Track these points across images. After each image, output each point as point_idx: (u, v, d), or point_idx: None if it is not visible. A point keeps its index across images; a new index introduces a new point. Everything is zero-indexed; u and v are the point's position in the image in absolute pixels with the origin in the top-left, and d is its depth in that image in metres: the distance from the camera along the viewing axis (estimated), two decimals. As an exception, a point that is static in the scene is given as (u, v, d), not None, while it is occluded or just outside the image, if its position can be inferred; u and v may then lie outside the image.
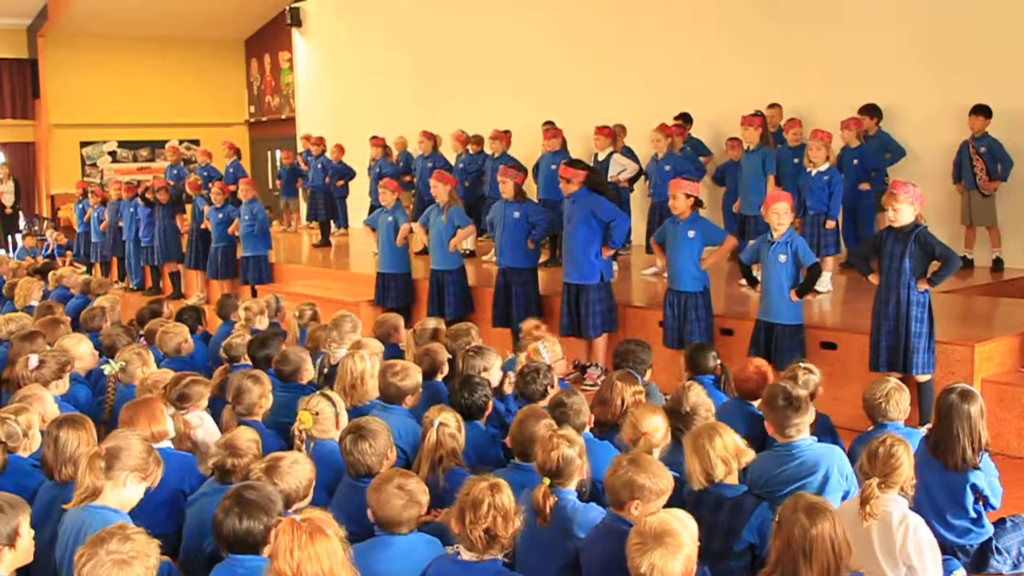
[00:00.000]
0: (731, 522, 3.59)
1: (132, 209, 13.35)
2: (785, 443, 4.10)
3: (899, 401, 4.44)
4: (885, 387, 4.46)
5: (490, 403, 4.89)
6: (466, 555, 3.18)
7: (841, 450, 4.23)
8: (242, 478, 3.90)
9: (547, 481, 3.57)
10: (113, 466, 3.50)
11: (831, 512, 3.04)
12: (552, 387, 4.98)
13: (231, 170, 13.69)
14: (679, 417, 4.37)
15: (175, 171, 14.53)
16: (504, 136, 11.31)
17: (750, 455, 3.76)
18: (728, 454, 3.67)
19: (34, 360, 5.27)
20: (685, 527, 2.89)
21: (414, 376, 4.97)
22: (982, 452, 4.08)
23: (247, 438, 4.03)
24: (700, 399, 4.46)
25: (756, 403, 4.94)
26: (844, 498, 3.92)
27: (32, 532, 3.16)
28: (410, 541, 3.42)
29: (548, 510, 3.51)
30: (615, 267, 8.81)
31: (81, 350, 6.04)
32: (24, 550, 3.11)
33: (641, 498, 3.34)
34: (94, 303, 7.98)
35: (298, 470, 3.67)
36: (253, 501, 3.23)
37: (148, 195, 12.86)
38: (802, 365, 4.93)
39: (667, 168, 9.10)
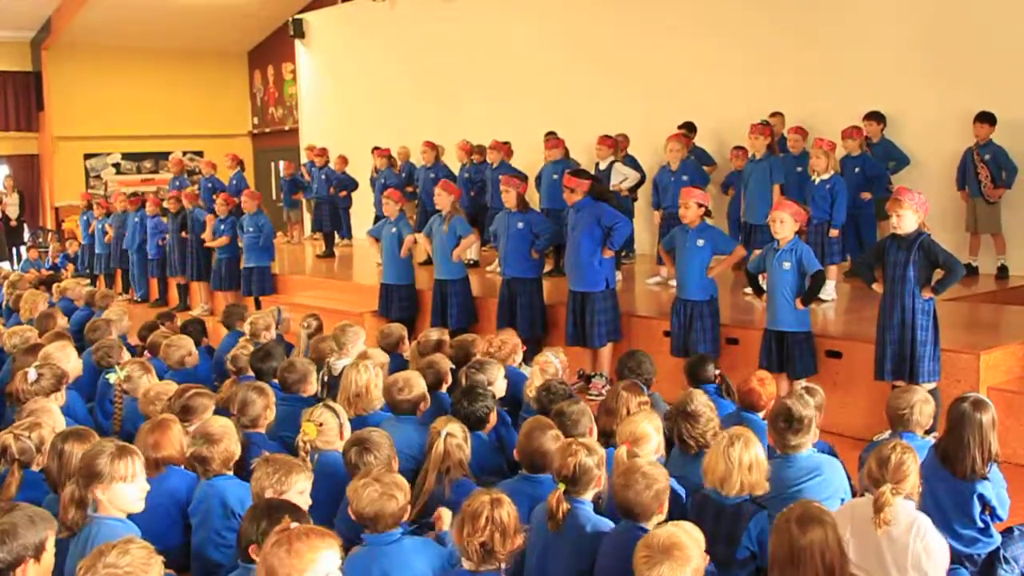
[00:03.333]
0: (731, 529, 3.59)
1: (137, 220, 13.38)
2: (784, 455, 4.13)
3: (925, 412, 4.43)
4: (914, 398, 4.45)
5: (492, 414, 4.88)
6: (466, 564, 3.20)
7: (841, 464, 4.23)
8: (221, 463, 3.99)
9: (562, 487, 3.57)
10: (92, 485, 3.52)
11: (826, 522, 3.04)
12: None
13: (234, 181, 13.72)
14: (685, 416, 4.37)
15: (178, 183, 14.55)
16: (503, 146, 11.33)
17: (765, 487, 3.74)
18: (751, 468, 3.66)
19: (32, 374, 5.26)
20: (693, 539, 2.91)
21: (418, 386, 4.99)
22: (991, 463, 4.06)
23: (220, 424, 4.12)
24: (703, 401, 4.48)
25: (760, 414, 4.94)
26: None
27: (54, 548, 3.17)
28: (404, 547, 3.40)
29: (561, 516, 3.51)
30: (619, 276, 8.79)
31: (62, 356, 5.98)
32: (47, 565, 3.11)
33: (646, 513, 3.37)
34: (101, 315, 7.96)
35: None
36: (280, 507, 3.24)
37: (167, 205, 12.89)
38: (804, 385, 4.91)
39: (685, 178, 9.01)
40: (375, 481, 3.40)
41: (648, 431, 4.05)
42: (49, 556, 3.09)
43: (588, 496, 3.65)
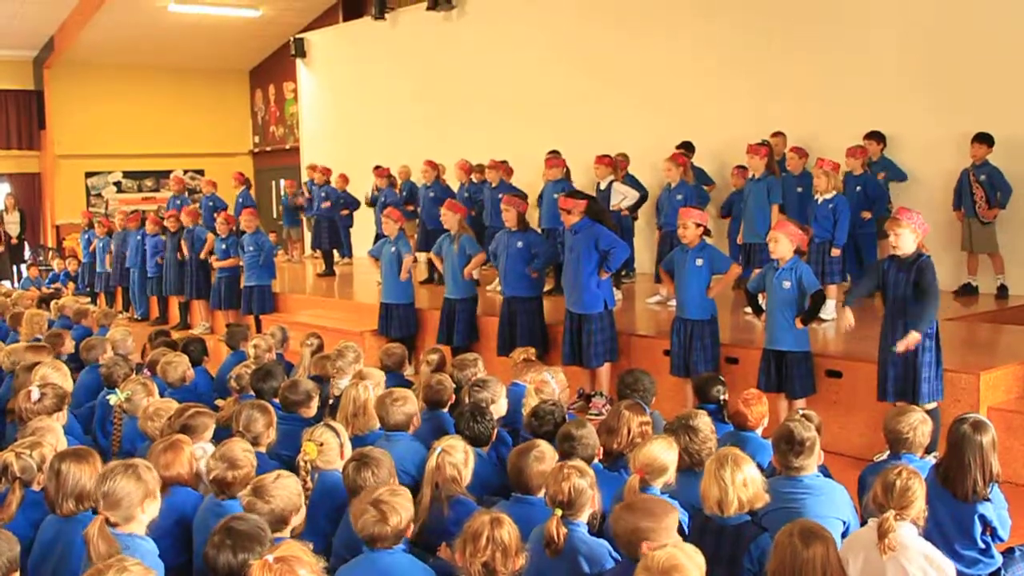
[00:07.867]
0: (732, 551, 3.57)
1: (139, 238, 13.39)
2: (787, 476, 4.11)
3: (923, 433, 4.42)
4: (912, 419, 4.43)
5: (495, 432, 4.89)
6: None
7: (843, 489, 4.22)
8: (239, 488, 3.91)
9: (559, 512, 3.54)
10: (121, 516, 3.51)
11: (826, 538, 3.05)
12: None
13: (240, 200, 13.71)
14: (686, 429, 4.38)
15: (178, 201, 14.57)
16: (501, 165, 11.36)
17: (765, 499, 3.74)
18: (746, 484, 3.65)
19: (35, 393, 5.26)
20: (692, 562, 2.89)
21: (413, 402, 4.99)
22: (992, 483, 4.05)
23: (242, 448, 4.07)
24: (706, 421, 4.49)
25: (758, 432, 4.94)
26: (845, 533, 3.90)
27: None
28: (391, 562, 3.38)
29: (561, 542, 3.48)
30: (619, 295, 8.79)
31: (58, 376, 5.94)
32: None
33: (649, 538, 3.32)
34: (107, 336, 7.94)
35: (284, 484, 3.68)
36: (244, 532, 3.20)
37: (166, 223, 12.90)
38: (802, 412, 4.90)
39: (679, 197, 9.05)
40: (371, 506, 3.38)
41: (658, 454, 4.00)
42: None
43: (584, 518, 3.64)
